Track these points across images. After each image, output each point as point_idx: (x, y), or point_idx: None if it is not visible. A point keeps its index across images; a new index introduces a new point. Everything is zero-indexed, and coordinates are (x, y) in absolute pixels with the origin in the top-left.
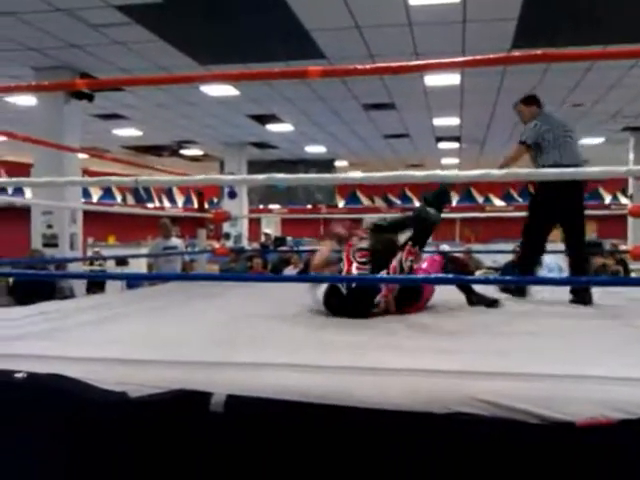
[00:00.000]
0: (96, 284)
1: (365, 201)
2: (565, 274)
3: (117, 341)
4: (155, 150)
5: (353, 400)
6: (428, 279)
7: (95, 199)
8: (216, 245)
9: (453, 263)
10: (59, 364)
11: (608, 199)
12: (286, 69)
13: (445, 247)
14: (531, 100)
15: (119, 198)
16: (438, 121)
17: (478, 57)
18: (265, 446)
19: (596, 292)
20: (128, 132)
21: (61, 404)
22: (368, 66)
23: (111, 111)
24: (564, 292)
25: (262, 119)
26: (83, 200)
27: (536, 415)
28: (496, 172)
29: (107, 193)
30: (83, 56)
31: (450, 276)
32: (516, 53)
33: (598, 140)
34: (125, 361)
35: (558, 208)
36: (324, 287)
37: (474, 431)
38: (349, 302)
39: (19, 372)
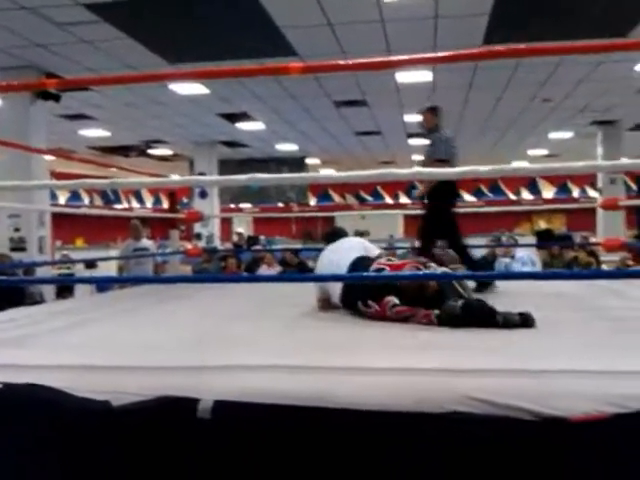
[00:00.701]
0: (66, 288)
1: (337, 198)
2: (538, 267)
3: (94, 347)
4: (122, 150)
5: (343, 402)
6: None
7: (62, 201)
8: (188, 246)
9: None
10: (35, 373)
11: (576, 193)
12: (265, 66)
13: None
14: (436, 111)
15: (87, 200)
16: (409, 117)
17: (450, 53)
18: (255, 452)
19: (574, 284)
20: (95, 132)
21: (39, 415)
22: (350, 62)
23: (77, 111)
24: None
25: (233, 117)
26: (49, 202)
27: (530, 411)
28: (484, 169)
29: (74, 195)
30: (49, 56)
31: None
32: (488, 48)
33: (567, 134)
34: (105, 368)
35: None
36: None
37: (469, 430)
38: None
39: None
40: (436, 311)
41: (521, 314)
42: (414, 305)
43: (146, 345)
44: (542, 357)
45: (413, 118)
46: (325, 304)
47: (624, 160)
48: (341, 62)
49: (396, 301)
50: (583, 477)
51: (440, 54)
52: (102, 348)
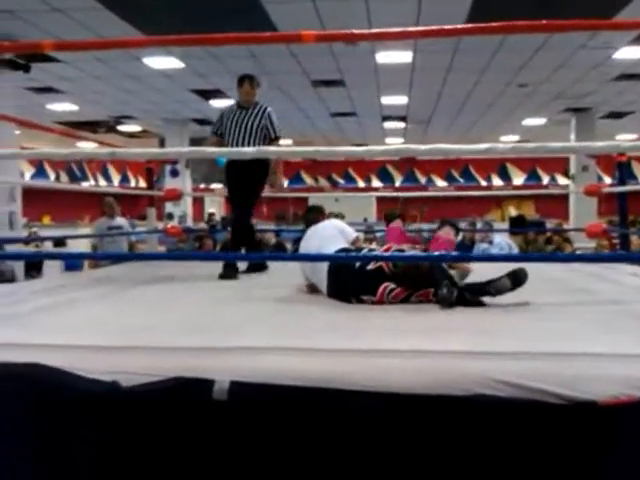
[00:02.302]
0: (34, 267)
1: (309, 181)
2: (515, 252)
3: (95, 326)
4: (90, 126)
5: (363, 384)
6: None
7: (27, 177)
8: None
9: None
10: (36, 352)
11: (546, 180)
12: (277, 33)
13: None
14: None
15: (52, 176)
16: (386, 100)
17: (435, 27)
18: (272, 434)
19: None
20: (63, 107)
21: (42, 397)
22: (366, 32)
23: (46, 84)
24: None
25: (206, 94)
26: None
27: (557, 395)
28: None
29: (40, 171)
30: (19, 24)
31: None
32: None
33: (540, 121)
34: (111, 348)
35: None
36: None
37: (494, 413)
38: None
39: None
40: (432, 289)
41: (508, 274)
42: (408, 286)
43: (145, 326)
44: (560, 340)
45: (390, 100)
46: (313, 289)
47: (599, 143)
48: (355, 31)
49: (392, 286)
50: (613, 461)
51: (425, 28)
52: (100, 328)
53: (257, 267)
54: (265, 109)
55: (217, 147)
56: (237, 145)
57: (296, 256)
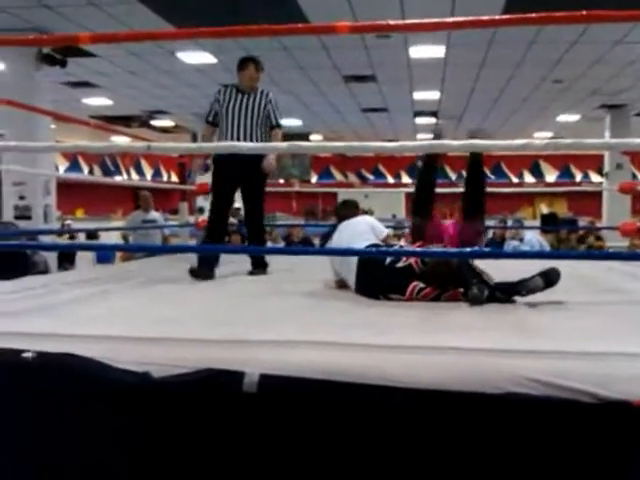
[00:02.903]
0: (67, 258)
1: (338, 176)
2: (547, 249)
3: (128, 318)
4: (124, 121)
5: (394, 380)
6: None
7: (62, 170)
8: (193, 219)
9: None
10: (70, 342)
11: (579, 177)
12: (311, 25)
13: None
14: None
15: (86, 170)
16: (418, 95)
17: (472, 18)
18: (301, 427)
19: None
20: (98, 101)
21: (75, 386)
22: (401, 22)
23: (82, 79)
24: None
25: None
26: None
27: (590, 394)
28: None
29: (74, 165)
30: (54, 17)
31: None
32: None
33: (574, 117)
34: (143, 339)
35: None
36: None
37: (526, 411)
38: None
39: (27, 352)
40: (461, 289)
41: (540, 274)
42: (437, 286)
43: (176, 318)
44: (593, 339)
45: (422, 96)
46: (342, 285)
47: (635, 139)
48: (391, 22)
49: (422, 285)
50: None
51: (461, 19)
52: (132, 320)
53: (261, 267)
54: (267, 94)
55: (211, 137)
56: (240, 135)
57: (322, 250)
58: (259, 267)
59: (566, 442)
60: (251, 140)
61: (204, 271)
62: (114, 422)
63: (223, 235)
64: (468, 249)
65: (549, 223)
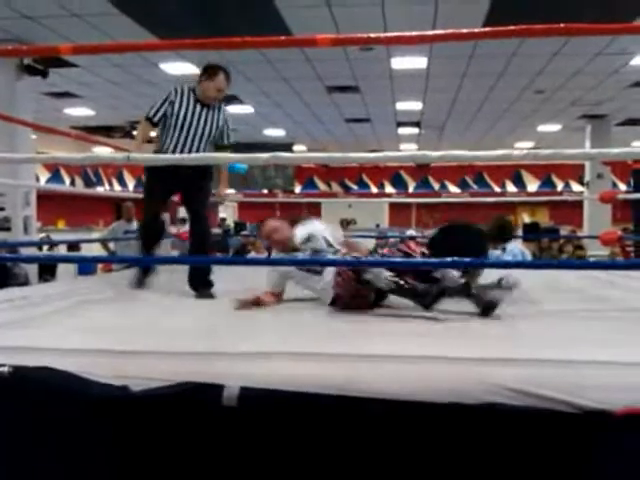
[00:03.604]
0: (48, 270)
1: (322, 186)
2: (529, 258)
3: (107, 330)
4: (106, 131)
5: (371, 391)
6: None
7: (43, 181)
8: (175, 230)
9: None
10: (48, 356)
11: (560, 186)
12: (293, 38)
13: (412, 232)
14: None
15: (68, 181)
16: (401, 105)
17: (452, 31)
18: (281, 440)
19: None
20: (80, 111)
21: (53, 401)
22: (382, 35)
23: (64, 89)
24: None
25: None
26: None
27: (571, 404)
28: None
29: (55, 175)
30: (38, 30)
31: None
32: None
33: (555, 127)
34: (122, 352)
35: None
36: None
37: (506, 421)
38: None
39: (3, 366)
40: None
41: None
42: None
43: (156, 330)
44: (574, 348)
45: (405, 106)
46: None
47: (614, 149)
48: (372, 35)
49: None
50: (629, 470)
51: (441, 31)
52: (114, 332)
53: (203, 286)
54: (224, 110)
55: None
56: (189, 147)
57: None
58: (201, 286)
59: (546, 452)
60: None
61: (141, 280)
62: (93, 437)
63: (157, 240)
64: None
65: (531, 232)
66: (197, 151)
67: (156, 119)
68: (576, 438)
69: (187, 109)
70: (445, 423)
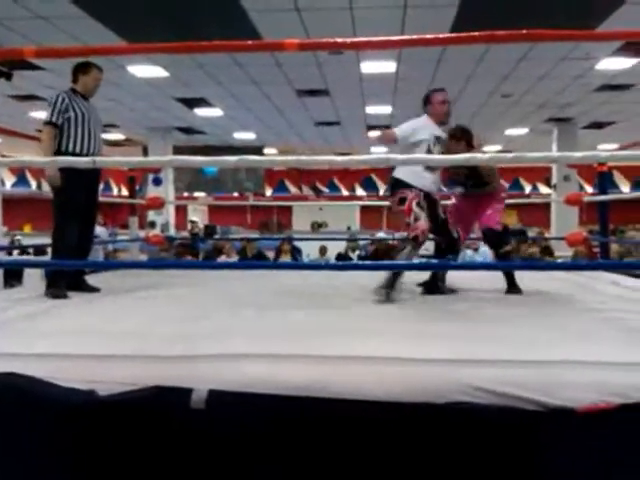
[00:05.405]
0: (14, 275)
1: (293, 190)
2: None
3: (73, 335)
4: None
5: (340, 392)
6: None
7: (8, 185)
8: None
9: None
10: (13, 361)
11: (528, 189)
12: (261, 42)
13: (382, 234)
14: None
15: (34, 185)
16: (370, 109)
17: (420, 36)
18: (251, 443)
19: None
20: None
21: (19, 406)
22: (349, 40)
23: (29, 92)
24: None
25: (191, 103)
26: None
27: (535, 402)
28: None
29: (21, 180)
30: (3, 32)
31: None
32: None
33: (523, 131)
34: (89, 356)
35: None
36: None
37: (472, 420)
38: None
39: None
40: None
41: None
42: None
43: (123, 335)
44: (542, 348)
45: (374, 110)
46: None
47: (577, 153)
48: (339, 40)
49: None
50: (593, 467)
51: (409, 37)
52: (77, 337)
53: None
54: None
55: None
56: (92, 145)
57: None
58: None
59: (511, 450)
60: (100, 149)
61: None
62: (60, 442)
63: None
64: (417, 261)
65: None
66: (97, 143)
67: (60, 121)
68: (539, 435)
69: (80, 107)
70: (414, 422)
